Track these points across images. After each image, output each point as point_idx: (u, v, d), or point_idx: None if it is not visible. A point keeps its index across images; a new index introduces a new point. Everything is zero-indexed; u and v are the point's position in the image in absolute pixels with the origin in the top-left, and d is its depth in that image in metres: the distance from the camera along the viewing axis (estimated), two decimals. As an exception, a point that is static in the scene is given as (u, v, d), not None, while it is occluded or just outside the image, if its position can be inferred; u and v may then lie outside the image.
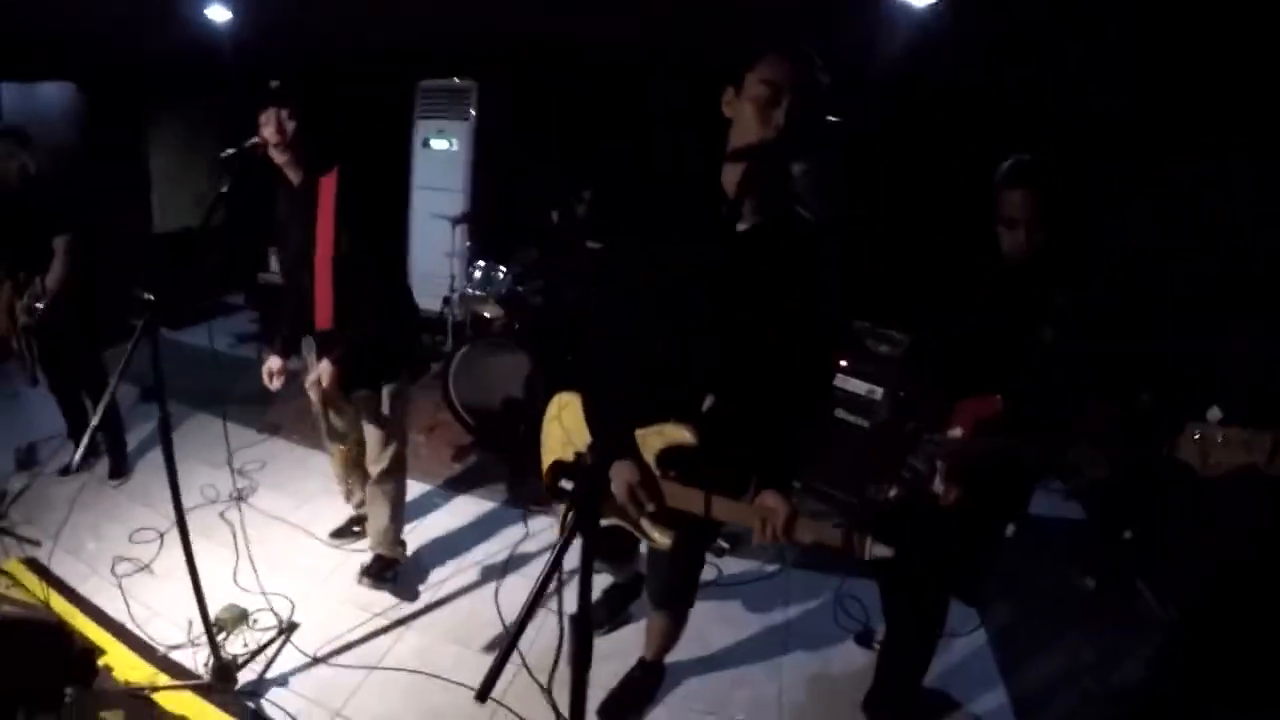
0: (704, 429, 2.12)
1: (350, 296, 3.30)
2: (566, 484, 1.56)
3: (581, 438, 2.45)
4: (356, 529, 4.26)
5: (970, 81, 5.35)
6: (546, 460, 2.66)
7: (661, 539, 2.23)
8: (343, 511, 4.38)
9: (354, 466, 3.95)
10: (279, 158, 3.24)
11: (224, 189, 3.04)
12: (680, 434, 2.10)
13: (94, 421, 2.59)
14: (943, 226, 4.21)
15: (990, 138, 4.87)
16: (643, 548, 2.49)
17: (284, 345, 3.63)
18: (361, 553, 4.12)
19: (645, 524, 2.24)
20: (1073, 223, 2.44)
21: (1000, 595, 4.05)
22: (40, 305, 4.38)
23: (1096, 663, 3.70)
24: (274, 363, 3.55)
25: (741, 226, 2.04)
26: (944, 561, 2.88)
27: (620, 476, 2.20)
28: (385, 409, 3.59)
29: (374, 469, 3.72)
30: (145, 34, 5.90)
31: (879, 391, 4.47)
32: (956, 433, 2.56)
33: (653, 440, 2.16)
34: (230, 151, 3.09)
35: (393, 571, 3.95)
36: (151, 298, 2.61)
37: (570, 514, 1.48)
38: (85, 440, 2.47)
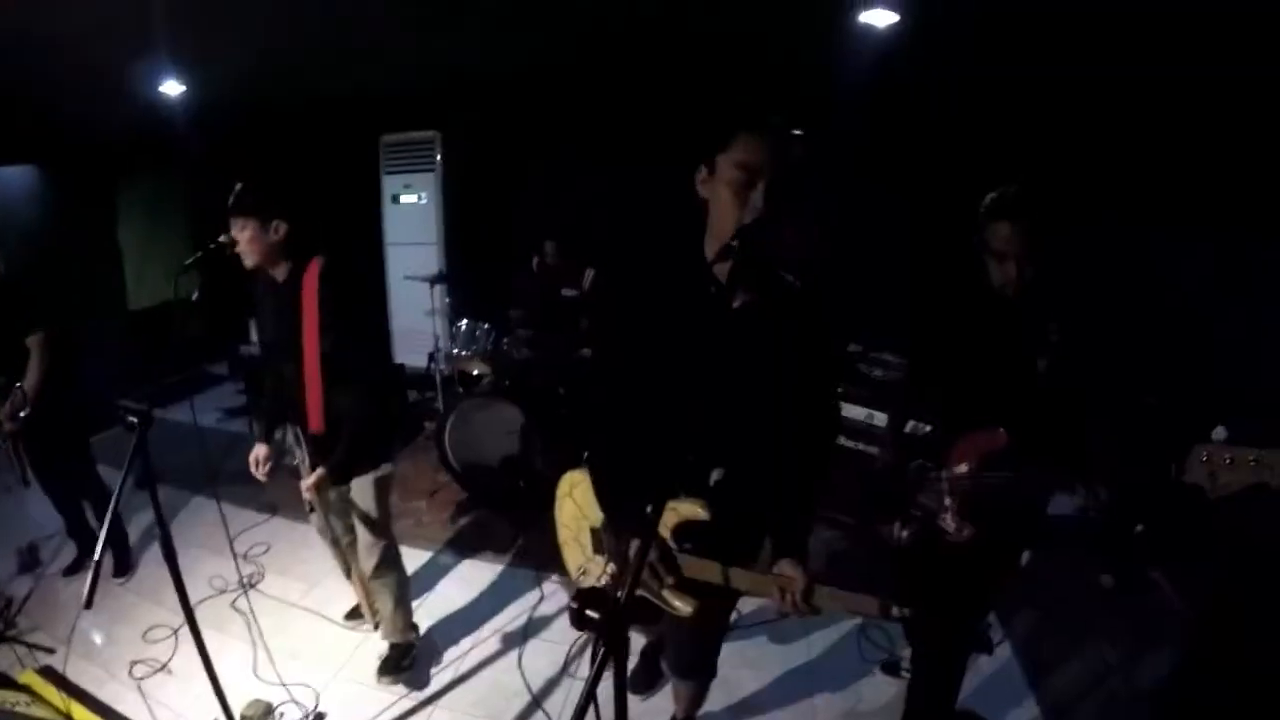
0: (715, 502, 2.11)
1: (338, 396, 3.30)
2: (593, 614, 1.54)
3: (595, 514, 2.45)
4: (359, 613, 4.21)
5: (938, 102, 5.41)
6: (562, 536, 2.67)
7: (684, 607, 2.23)
8: (353, 592, 4.31)
9: (352, 555, 3.90)
10: (250, 262, 3.21)
11: (188, 261, 3.08)
12: (693, 509, 2.10)
13: (101, 537, 2.54)
14: (930, 251, 4.25)
15: (967, 161, 4.97)
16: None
17: (266, 432, 3.63)
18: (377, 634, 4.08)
19: (667, 594, 2.24)
20: (1060, 252, 2.46)
21: (1021, 601, 4.06)
22: (23, 413, 4.30)
23: (1122, 662, 3.73)
24: (260, 451, 3.56)
25: (733, 305, 2.04)
26: (964, 597, 2.89)
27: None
28: (372, 499, 3.55)
29: (367, 565, 3.69)
30: (102, 112, 5.88)
31: (878, 417, 4.50)
32: (963, 468, 2.58)
33: (667, 516, 2.16)
34: (195, 257, 3.13)
35: (409, 659, 3.91)
36: (135, 420, 2.58)
37: (599, 642, 1.48)
38: (93, 574, 2.41)
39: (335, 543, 3.85)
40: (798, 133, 1.96)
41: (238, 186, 3.14)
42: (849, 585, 2.02)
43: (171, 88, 5.29)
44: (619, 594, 1.52)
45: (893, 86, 5.22)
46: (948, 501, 2.58)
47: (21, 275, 4.47)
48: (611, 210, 6.49)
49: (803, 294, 2.12)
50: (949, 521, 2.57)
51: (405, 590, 3.89)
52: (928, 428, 2.90)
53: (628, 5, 4.04)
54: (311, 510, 3.68)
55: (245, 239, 3.12)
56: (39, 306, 4.42)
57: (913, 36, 4.04)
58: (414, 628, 3.98)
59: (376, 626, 4.01)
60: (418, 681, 3.82)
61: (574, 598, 1.60)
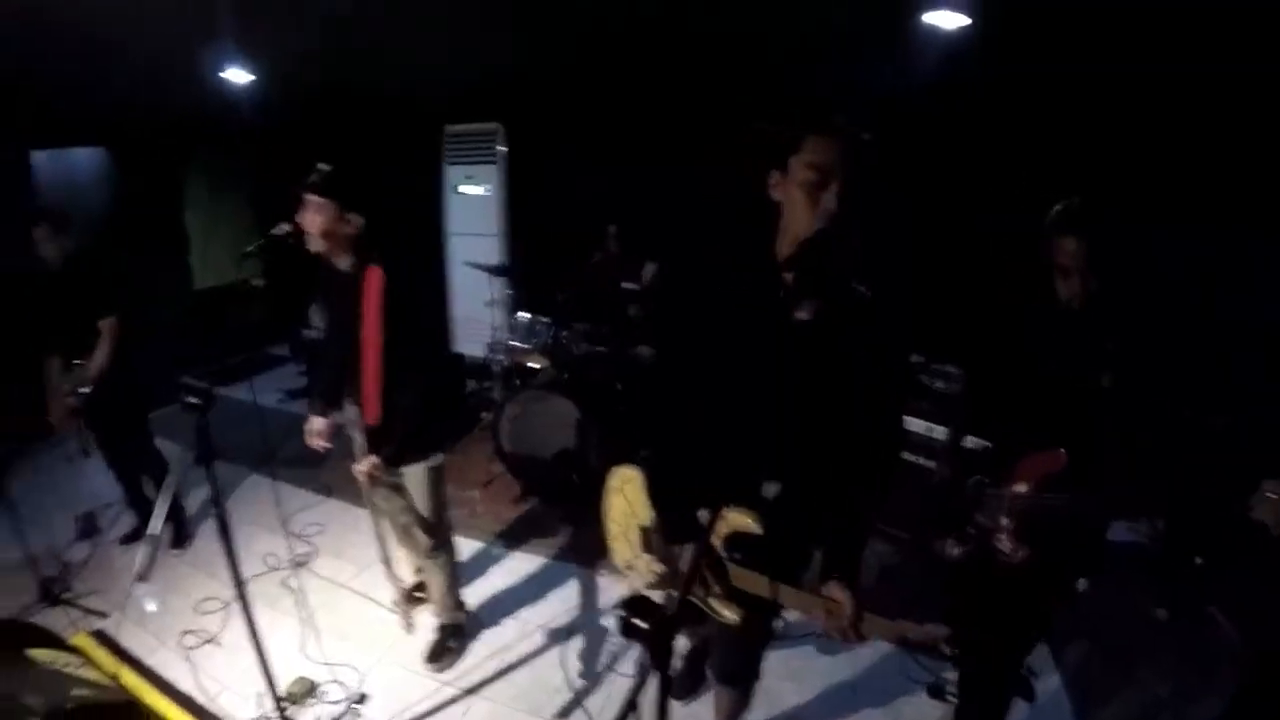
0: (769, 515, 2.07)
1: (395, 388, 3.33)
2: (640, 623, 1.52)
3: (645, 513, 2.42)
4: (419, 594, 4.24)
5: (1006, 107, 5.32)
6: (610, 530, 2.64)
7: (730, 615, 2.20)
8: (404, 576, 4.35)
9: (405, 537, 3.93)
10: (316, 246, 3.21)
11: (249, 248, 3.10)
12: (744, 521, 2.06)
13: (159, 515, 2.59)
14: (993, 262, 4.17)
15: (1035, 168, 4.87)
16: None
17: (324, 404, 3.65)
18: (427, 614, 4.12)
19: (714, 601, 2.22)
20: (1124, 266, 2.41)
21: (1072, 631, 3.98)
22: (85, 390, 4.44)
23: (1173, 699, 3.63)
24: (316, 423, 3.59)
25: (800, 314, 2.00)
26: (1016, 621, 2.83)
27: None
28: (425, 487, 3.58)
29: (422, 545, 3.73)
30: (169, 97, 5.99)
31: (938, 430, 4.43)
32: (1021, 488, 2.52)
33: (719, 525, 2.13)
34: (258, 243, 3.16)
35: (457, 639, 3.94)
36: (196, 401, 2.62)
37: (645, 653, 1.47)
38: (151, 548, 2.45)
39: (387, 515, 3.86)
40: (867, 135, 1.93)
41: (320, 166, 3.14)
42: (899, 603, 1.98)
43: (237, 75, 5.35)
44: (668, 604, 1.51)
45: (959, 90, 5.13)
46: (1004, 521, 2.53)
47: (94, 257, 4.57)
48: (675, 206, 6.49)
49: (873, 304, 2.07)
50: (1005, 542, 2.52)
51: (455, 574, 3.92)
52: (987, 443, 2.85)
53: (695, 4, 4.02)
54: (365, 494, 3.71)
55: (317, 222, 3.12)
56: (112, 290, 4.56)
57: (980, 38, 3.95)
58: (462, 607, 4.00)
59: (409, 628, 4.07)
60: (460, 670, 3.83)
61: (622, 605, 1.59)
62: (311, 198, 3.10)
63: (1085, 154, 4.80)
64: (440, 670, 3.81)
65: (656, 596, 2.22)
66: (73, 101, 5.97)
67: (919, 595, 4.05)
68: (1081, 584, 2.86)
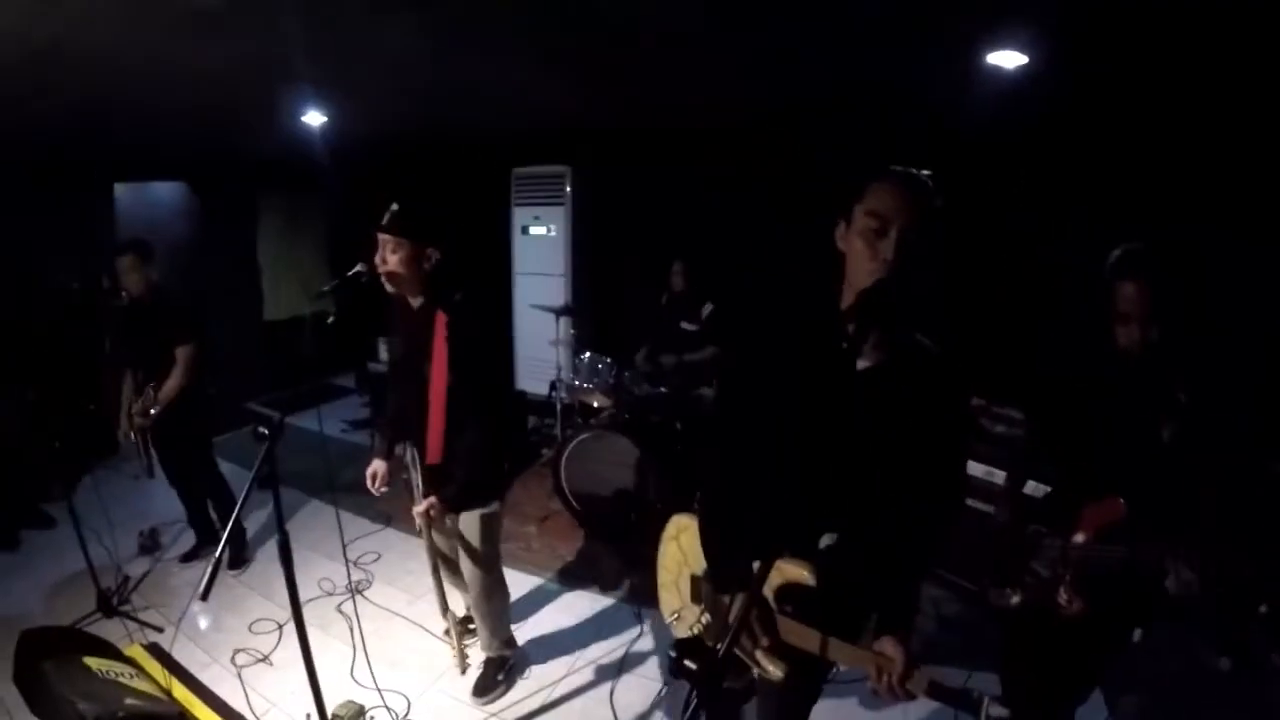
0: (822, 568, 2.01)
1: (458, 431, 3.33)
2: (691, 664, 1.49)
3: (698, 562, 2.37)
4: (471, 626, 4.21)
5: (1071, 150, 5.26)
6: (661, 578, 2.60)
7: (775, 671, 2.13)
8: (456, 608, 4.34)
9: (457, 575, 3.92)
10: (392, 286, 3.26)
11: (326, 288, 3.12)
12: (799, 573, 2.00)
13: (223, 536, 2.61)
14: (1054, 308, 4.09)
15: (1099, 213, 4.78)
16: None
17: (387, 446, 3.69)
18: (475, 649, 4.10)
19: (759, 655, 2.16)
20: (1192, 314, 2.33)
21: (1128, 682, 3.81)
22: (154, 411, 4.58)
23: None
24: (378, 466, 3.62)
25: (861, 364, 1.96)
26: (1070, 673, 2.74)
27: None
28: (478, 534, 3.57)
29: (473, 590, 3.73)
30: (248, 136, 6.17)
31: (998, 475, 4.34)
32: (1080, 538, 2.45)
33: (771, 576, 2.07)
34: (334, 284, 3.22)
35: (504, 672, 3.91)
36: (265, 431, 2.66)
37: (694, 693, 1.43)
38: (212, 568, 2.46)
39: (436, 570, 3.86)
40: (929, 176, 1.90)
41: (394, 206, 3.18)
42: (956, 650, 1.91)
43: (314, 117, 5.49)
44: (718, 648, 1.47)
45: (1022, 132, 5.09)
46: (1061, 571, 2.46)
47: (174, 287, 4.71)
48: (740, 253, 6.50)
49: (938, 359, 2.02)
50: (1061, 593, 2.44)
51: (505, 616, 3.92)
52: (1048, 489, 2.77)
53: (760, 55, 4.04)
54: (421, 532, 3.71)
55: (395, 260, 3.16)
56: (190, 320, 4.73)
57: (1042, 79, 3.91)
58: (512, 644, 3.97)
59: (464, 670, 4.03)
60: (509, 700, 3.80)
61: (673, 646, 1.56)
62: (387, 237, 3.16)
63: (1155, 194, 4.71)
64: (487, 704, 3.77)
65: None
66: (155, 137, 6.17)
67: (976, 643, 3.96)
68: (1137, 634, 2.76)
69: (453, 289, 3.31)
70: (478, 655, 4.03)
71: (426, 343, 3.26)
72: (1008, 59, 3.73)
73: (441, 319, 3.24)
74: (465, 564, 3.67)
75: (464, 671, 3.95)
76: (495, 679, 3.85)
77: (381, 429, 3.69)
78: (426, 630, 4.35)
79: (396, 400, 3.64)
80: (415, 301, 3.32)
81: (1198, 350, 2.39)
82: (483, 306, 3.42)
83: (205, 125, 5.74)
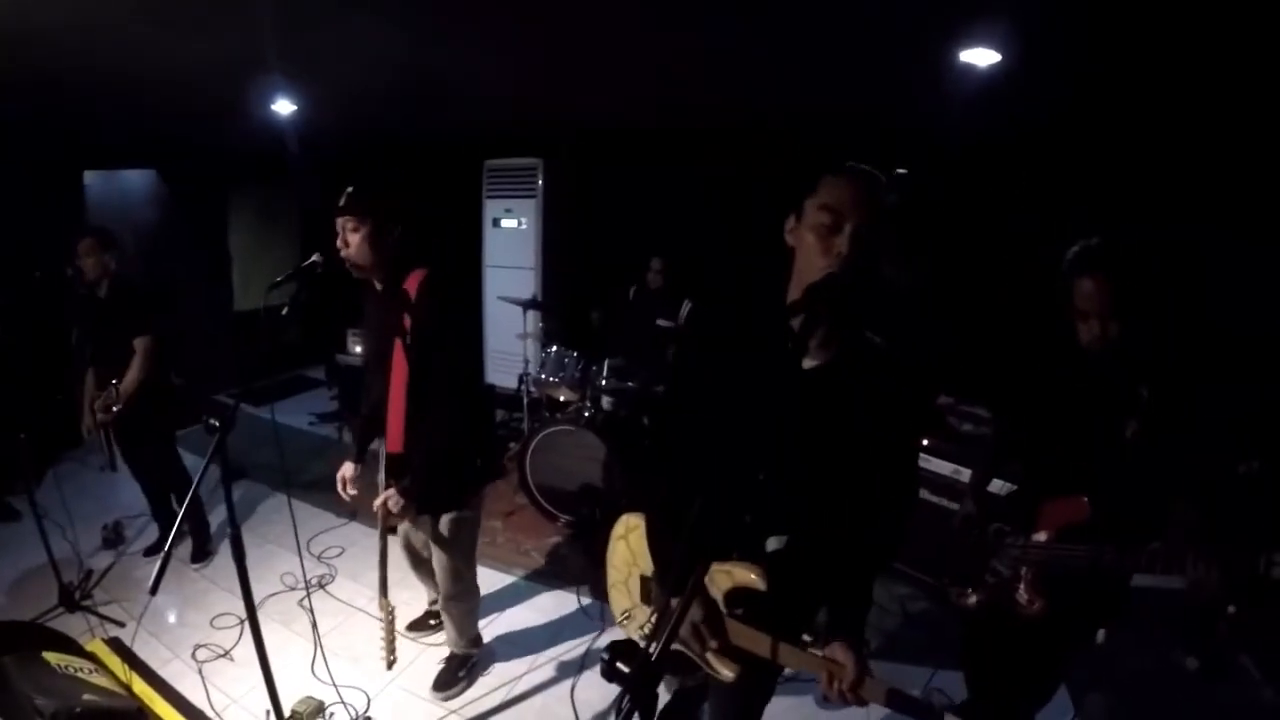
0: (772, 571, 1.99)
1: (420, 419, 3.25)
2: (623, 667, 1.49)
3: (646, 562, 2.38)
4: (433, 622, 4.25)
5: (1039, 148, 5.31)
6: (611, 579, 2.62)
7: (726, 672, 2.13)
8: (419, 604, 4.39)
9: (422, 566, 3.95)
10: (358, 266, 3.19)
11: (279, 278, 3.08)
12: (748, 576, 1.98)
13: (176, 522, 2.63)
14: (1018, 305, 4.12)
15: (1065, 209, 4.82)
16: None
17: (358, 450, 3.62)
18: (437, 647, 4.13)
19: (710, 657, 2.17)
20: (1153, 310, 2.34)
21: (1095, 681, 3.85)
22: (115, 409, 4.54)
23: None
24: (347, 470, 3.56)
25: (809, 362, 1.94)
26: (1030, 674, 2.76)
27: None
28: (450, 539, 3.58)
29: (443, 591, 3.71)
30: (218, 124, 6.14)
31: (964, 473, 4.38)
32: (1041, 537, 2.46)
33: (720, 579, 2.05)
34: (287, 274, 3.09)
35: (466, 670, 3.92)
36: (215, 424, 2.62)
37: (626, 698, 1.43)
38: (163, 559, 2.47)
39: (384, 557, 3.66)
40: (894, 173, 1.88)
41: (350, 188, 3.14)
42: (919, 648, 1.91)
43: (284, 107, 5.47)
44: (651, 649, 1.47)
45: (991, 130, 5.11)
46: (1023, 570, 2.48)
47: (137, 276, 4.68)
48: (707, 248, 6.51)
49: (888, 357, 1.99)
50: (1022, 592, 2.47)
51: (476, 609, 3.93)
52: (1014, 487, 2.80)
53: (740, 49, 4.04)
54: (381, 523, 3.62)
55: (356, 240, 3.11)
56: (149, 310, 4.68)
57: (1015, 78, 3.92)
58: (478, 642, 3.99)
59: (390, 665, 3.87)
60: (470, 696, 3.82)
61: (607, 649, 1.56)
62: (346, 219, 3.11)
63: (1116, 192, 4.75)
64: (446, 699, 3.79)
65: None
66: (125, 124, 6.12)
67: (942, 640, 4.00)
68: (1100, 635, 2.79)
69: (418, 265, 3.26)
70: (433, 653, 4.07)
71: (393, 321, 3.18)
72: (987, 58, 3.74)
73: (410, 284, 3.19)
74: (437, 565, 3.65)
75: (390, 666, 3.79)
76: (457, 675, 3.87)
77: (353, 428, 3.62)
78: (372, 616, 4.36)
79: (369, 394, 3.54)
80: (380, 283, 3.27)
81: (1161, 346, 2.40)
82: (452, 279, 3.32)
83: (175, 113, 5.71)
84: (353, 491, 3.54)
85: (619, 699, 1.46)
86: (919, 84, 4.28)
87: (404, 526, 3.79)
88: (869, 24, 3.40)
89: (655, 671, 1.45)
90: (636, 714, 1.42)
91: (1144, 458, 2.34)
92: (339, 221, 3.13)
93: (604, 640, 4.23)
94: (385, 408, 3.34)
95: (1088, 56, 3.65)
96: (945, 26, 3.35)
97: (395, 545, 3.87)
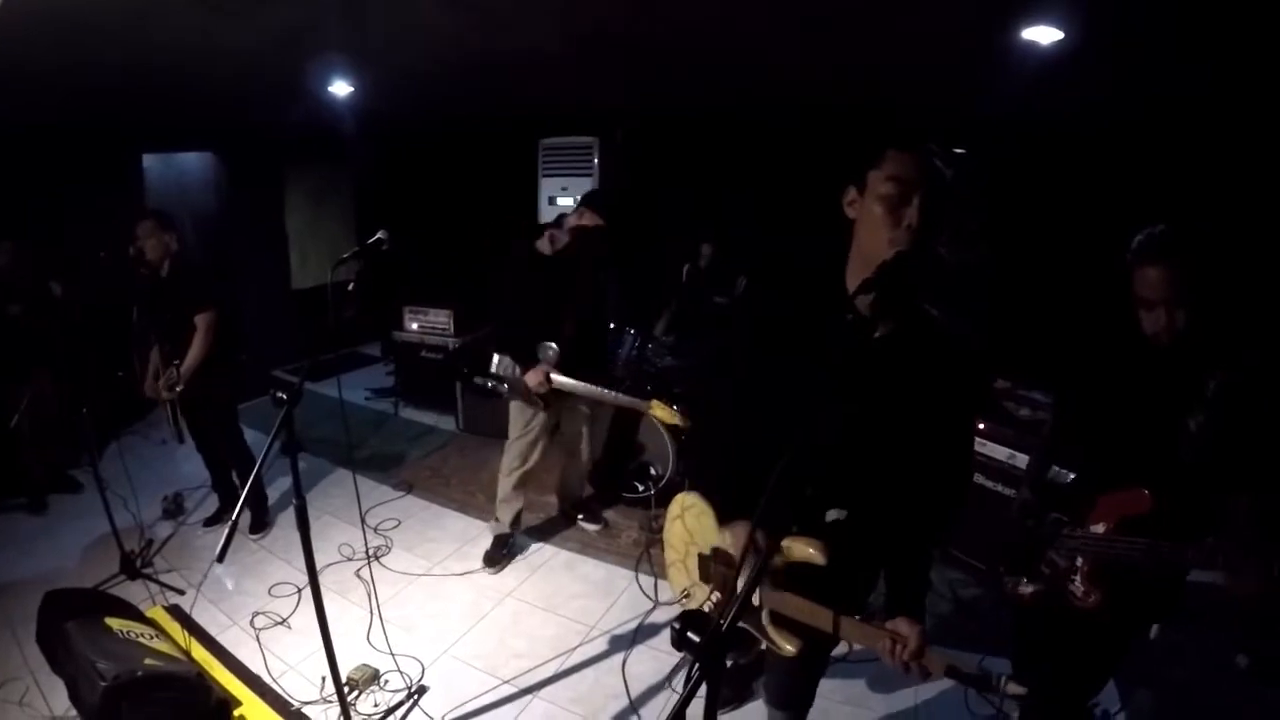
0: (832, 545, 1.99)
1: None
2: (694, 637, 1.49)
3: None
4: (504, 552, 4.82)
5: (1104, 128, 5.18)
6: (669, 557, 2.60)
7: (788, 647, 2.13)
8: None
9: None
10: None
11: (345, 255, 3.13)
12: (808, 551, 1.99)
13: (243, 493, 2.68)
14: (1082, 290, 4.02)
15: (1130, 192, 4.69)
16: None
17: (528, 357, 4.43)
18: (494, 612, 4.22)
19: (771, 630, 2.15)
20: (1223, 298, 2.26)
21: (1142, 677, 3.76)
22: (180, 387, 4.65)
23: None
24: (538, 374, 4.38)
25: (873, 337, 1.90)
26: (1083, 667, 2.71)
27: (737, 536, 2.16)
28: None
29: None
30: (275, 107, 6.18)
31: (1020, 459, 4.29)
32: (1099, 529, 2.40)
33: (784, 553, 2.07)
34: (352, 251, 3.22)
35: (507, 547, 4.84)
36: (284, 396, 2.68)
37: (695, 666, 1.42)
38: (230, 529, 2.52)
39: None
40: (955, 151, 1.85)
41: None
42: (972, 634, 1.87)
43: (340, 88, 5.49)
44: (721, 621, 1.46)
45: (1055, 109, 4.99)
46: (1079, 562, 2.42)
47: (197, 255, 4.75)
48: (764, 224, 6.46)
49: (947, 334, 1.99)
50: (1076, 585, 2.41)
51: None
52: (1071, 475, 2.73)
53: (789, 32, 3.98)
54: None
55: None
56: (209, 286, 4.79)
57: (1079, 56, 3.81)
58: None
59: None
60: (520, 669, 3.83)
61: (677, 618, 1.56)
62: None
63: (1186, 177, 4.61)
64: (494, 574, 4.57)
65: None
66: (183, 108, 6.20)
67: (992, 628, 3.94)
68: (1154, 630, 2.71)
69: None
70: (485, 627, 4.18)
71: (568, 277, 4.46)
72: (1049, 35, 3.63)
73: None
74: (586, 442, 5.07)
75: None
76: (500, 551, 4.75)
77: (521, 353, 4.45)
78: (442, 597, 4.43)
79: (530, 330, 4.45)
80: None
81: (1230, 337, 2.32)
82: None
83: (233, 97, 5.76)
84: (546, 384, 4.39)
85: (688, 668, 1.46)
86: (979, 61, 4.16)
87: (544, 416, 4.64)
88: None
89: (725, 642, 1.45)
90: (704, 684, 1.41)
91: (1209, 452, 2.26)
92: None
93: (656, 616, 4.26)
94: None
95: (1153, 37, 3.53)
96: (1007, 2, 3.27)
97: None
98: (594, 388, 4.37)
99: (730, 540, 2.23)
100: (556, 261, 4.47)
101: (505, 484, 4.77)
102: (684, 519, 2.49)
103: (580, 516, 5.31)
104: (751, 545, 1.71)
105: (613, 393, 4.44)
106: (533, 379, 4.34)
